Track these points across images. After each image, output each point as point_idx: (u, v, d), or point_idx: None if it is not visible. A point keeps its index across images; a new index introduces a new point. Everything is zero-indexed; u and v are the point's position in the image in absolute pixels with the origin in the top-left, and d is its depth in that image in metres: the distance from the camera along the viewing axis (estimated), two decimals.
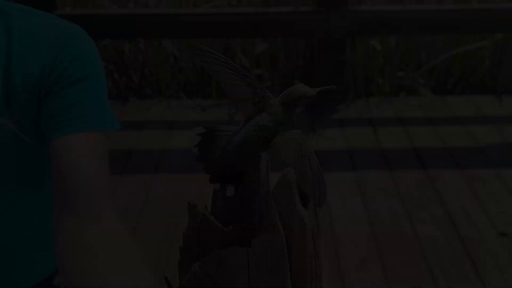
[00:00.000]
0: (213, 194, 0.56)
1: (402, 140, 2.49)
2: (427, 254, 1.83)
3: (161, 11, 2.96)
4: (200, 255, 0.53)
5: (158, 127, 2.68)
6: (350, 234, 1.92)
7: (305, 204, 0.55)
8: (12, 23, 0.77)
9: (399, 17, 2.68)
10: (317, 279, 0.55)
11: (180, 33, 2.75)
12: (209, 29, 2.69)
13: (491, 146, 2.47)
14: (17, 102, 0.76)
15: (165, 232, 1.94)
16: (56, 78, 0.77)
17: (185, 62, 3.11)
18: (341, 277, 1.74)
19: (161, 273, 0.57)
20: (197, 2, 3.23)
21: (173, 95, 3.06)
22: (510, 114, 2.76)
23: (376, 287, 1.70)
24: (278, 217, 0.51)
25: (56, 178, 0.74)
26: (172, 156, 2.42)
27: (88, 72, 0.79)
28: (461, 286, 1.69)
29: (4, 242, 0.85)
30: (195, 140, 0.56)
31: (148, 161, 2.40)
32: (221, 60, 0.58)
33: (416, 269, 1.77)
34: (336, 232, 1.92)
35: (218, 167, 0.55)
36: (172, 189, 2.19)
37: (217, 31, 2.72)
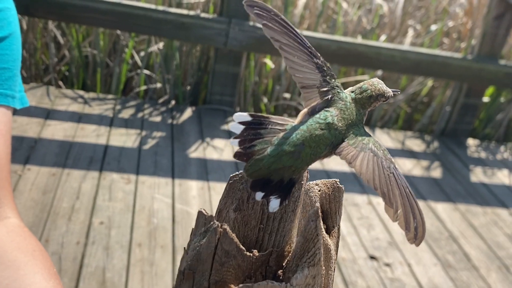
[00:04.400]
0: (220, 203, 0.43)
1: None
2: None
3: None
4: (212, 285, 0.40)
5: (33, 114, 2.44)
6: None
7: (328, 230, 0.44)
8: None
9: None
10: None
11: (68, 17, 2.54)
12: (101, 17, 2.53)
13: None
14: None
15: (33, 231, 1.76)
16: None
17: (69, 50, 2.89)
18: None
19: None
20: None
21: (52, 83, 2.83)
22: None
23: None
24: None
25: None
26: (46, 147, 2.21)
27: (4, 33, 0.65)
28: None
29: None
30: (235, 129, 0.42)
31: (19, 150, 2.16)
32: (288, 28, 0.45)
33: None
34: None
35: (266, 171, 0.41)
36: (42, 183, 2.00)
37: (110, 21, 2.56)
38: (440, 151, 3.05)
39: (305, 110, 0.45)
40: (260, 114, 0.44)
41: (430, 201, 2.50)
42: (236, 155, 0.42)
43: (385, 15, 3.50)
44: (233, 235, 0.40)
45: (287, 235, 0.43)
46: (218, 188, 2.19)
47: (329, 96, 0.45)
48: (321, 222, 0.42)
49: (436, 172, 2.79)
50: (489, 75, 3.05)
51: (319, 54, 0.46)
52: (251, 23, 2.67)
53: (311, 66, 0.45)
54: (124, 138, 2.41)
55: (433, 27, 3.64)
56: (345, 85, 3.33)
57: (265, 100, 3.12)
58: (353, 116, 0.45)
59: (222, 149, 2.50)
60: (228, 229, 0.40)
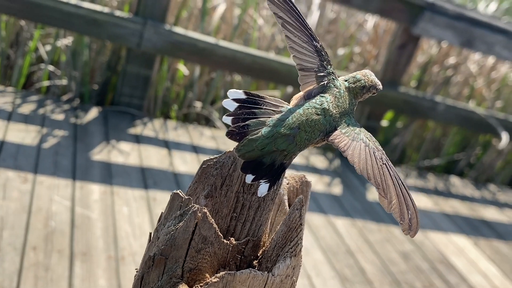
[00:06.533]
0: (190, 188, 0.39)
1: (195, 166, 2.52)
2: None
3: None
4: (186, 272, 0.35)
5: None
6: (133, 252, 1.83)
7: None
8: None
9: (209, 49, 2.75)
10: None
11: None
12: (5, 3, 2.35)
13: None
14: None
15: None
16: None
17: None
18: None
19: None
20: None
21: None
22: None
23: None
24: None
25: None
26: None
27: None
28: None
29: None
30: (228, 105, 0.40)
31: None
32: (291, 6, 0.44)
33: None
34: (120, 249, 1.81)
35: (259, 152, 0.38)
36: None
37: (15, 9, 2.39)
38: (341, 169, 3.18)
39: (300, 93, 0.44)
40: (255, 93, 0.42)
41: (331, 216, 2.59)
42: (229, 133, 0.41)
43: None
44: (213, 220, 0.37)
45: (264, 225, 0.40)
46: (122, 193, 2.11)
47: (325, 82, 0.45)
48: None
49: (337, 189, 2.90)
50: (389, 100, 3.24)
51: (318, 38, 0.45)
52: (167, 27, 2.63)
53: (310, 49, 0.45)
54: (23, 135, 2.26)
55: (341, 52, 3.81)
56: None
57: (177, 105, 3.08)
58: (346, 104, 0.44)
59: (128, 153, 2.42)
60: (208, 213, 0.37)
